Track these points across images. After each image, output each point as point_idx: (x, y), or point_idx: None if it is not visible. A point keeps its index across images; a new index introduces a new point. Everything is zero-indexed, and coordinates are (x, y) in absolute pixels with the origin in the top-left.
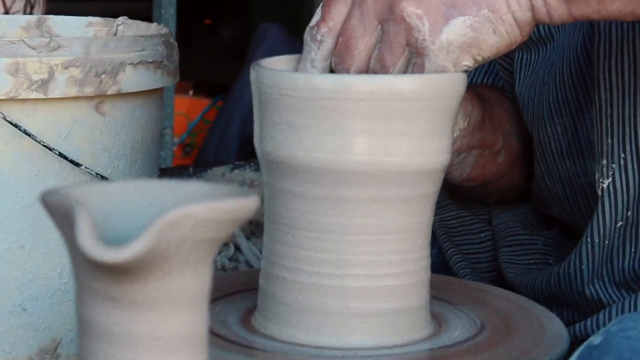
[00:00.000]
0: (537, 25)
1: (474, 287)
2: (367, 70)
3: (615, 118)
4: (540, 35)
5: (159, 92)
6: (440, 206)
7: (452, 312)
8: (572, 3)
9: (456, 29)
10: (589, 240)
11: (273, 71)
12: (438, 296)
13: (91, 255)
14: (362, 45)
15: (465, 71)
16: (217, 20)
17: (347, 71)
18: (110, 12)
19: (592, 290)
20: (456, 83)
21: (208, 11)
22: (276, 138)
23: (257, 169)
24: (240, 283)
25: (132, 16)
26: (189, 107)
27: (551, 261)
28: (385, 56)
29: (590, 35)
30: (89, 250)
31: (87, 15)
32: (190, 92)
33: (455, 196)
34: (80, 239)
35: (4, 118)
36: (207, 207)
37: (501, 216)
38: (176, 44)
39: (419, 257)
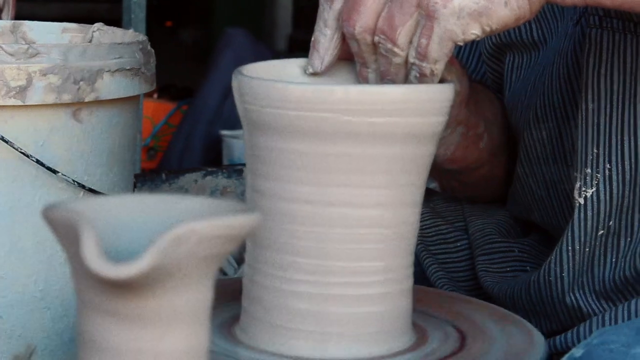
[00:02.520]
0: (532, 21)
1: (452, 298)
2: (374, 30)
3: (602, 128)
4: (532, 40)
5: (135, 99)
6: None
7: (430, 322)
8: None
9: None
10: (569, 247)
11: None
12: (416, 307)
13: (97, 272)
14: (371, 1)
15: (473, 41)
16: (178, 23)
17: (353, 28)
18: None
19: (573, 298)
20: (443, 93)
21: (169, 13)
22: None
23: (230, 175)
24: (221, 294)
25: (93, 18)
26: (154, 111)
27: (528, 268)
28: (395, 15)
29: (581, 42)
30: (95, 267)
31: (48, 16)
32: (155, 96)
33: (436, 179)
34: (86, 256)
35: None
36: (211, 223)
37: (477, 223)
38: (153, 50)
39: (404, 265)
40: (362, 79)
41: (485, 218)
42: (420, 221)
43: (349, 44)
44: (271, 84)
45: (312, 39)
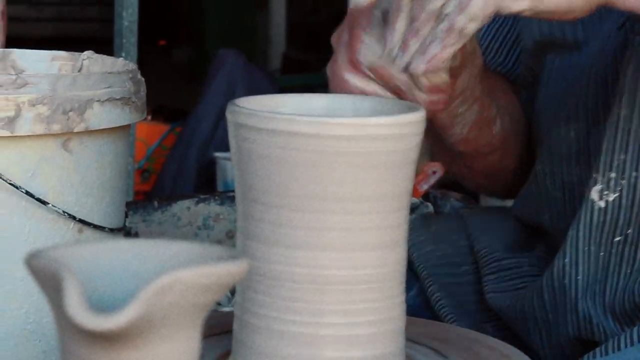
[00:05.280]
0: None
1: (457, 333)
2: None
3: (632, 135)
4: (575, 39)
5: (126, 128)
6: (418, 241)
7: (429, 356)
8: None
9: None
10: (586, 248)
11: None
12: (418, 341)
13: (81, 324)
14: None
15: (517, 15)
16: (172, 41)
17: None
18: (65, 33)
19: (585, 307)
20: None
21: (162, 31)
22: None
23: (222, 202)
24: (213, 326)
25: (84, 38)
26: (147, 133)
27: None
28: None
29: (623, 46)
30: (77, 319)
31: (43, 36)
32: (149, 118)
33: (446, 163)
34: (69, 307)
35: None
36: (197, 272)
37: (482, 240)
38: (143, 79)
39: (395, 304)
40: (386, 30)
41: (491, 232)
42: (422, 247)
43: None
44: (271, 115)
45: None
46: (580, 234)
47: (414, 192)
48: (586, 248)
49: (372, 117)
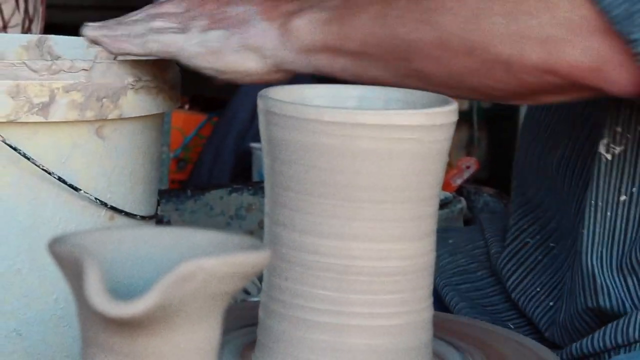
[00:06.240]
0: None
1: (476, 326)
2: None
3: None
4: None
5: (160, 116)
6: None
7: (451, 352)
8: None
9: None
10: (592, 202)
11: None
12: (440, 336)
13: (100, 310)
14: None
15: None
16: None
17: None
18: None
19: (589, 264)
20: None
21: None
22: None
23: (255, 192)
24: (240, 317)
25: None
26: (184, 122)
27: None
28: None
29: None
30: (97, 305)
31: (83, 4)
32: (186, 107)
33: None
34: (89, 293)
35: (4, 141)
36: (219, 260)
37: (497, 244)
38: (178, 68)
39: (422, 296)
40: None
41: (496, 233)
42: (439, 260)
43: None
44: (301, 106)
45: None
46: (589, 188)
47: (448, 186)
48: (593, 201)
49: (402, 108)
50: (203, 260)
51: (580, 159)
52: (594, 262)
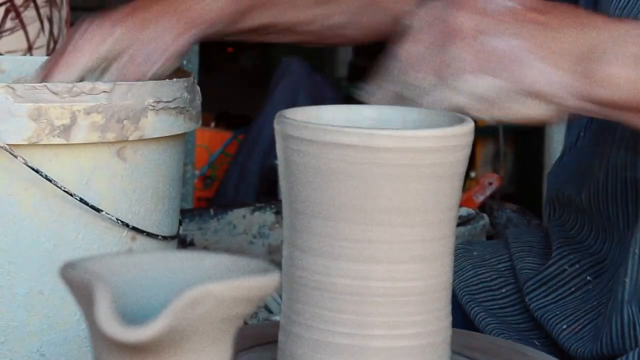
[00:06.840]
0: None
1: (496, 344)
2: None
3: None
4: None
5: (181, 136)
6: (458, 269)
7: None
8: None
9: None
10: (636, 251)
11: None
12: (464, 354)
13: (110, 335)
14: None
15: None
16: (239, 49)
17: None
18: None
19: (630, 312)
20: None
21: (230, 41)
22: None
23: (278, 210)
24: (261, 335)
25: None
26: (210, 140)
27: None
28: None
29: None
30: (107, 330)
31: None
32: (212, 124)
33: None
34: (99, 318)
35: (25, 163)
36: (228, 285)
37: (524, 259)
38: (198, 88)
39: (441, 316)
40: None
41: (530, 249)
42: (463, 273)
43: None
44: (317, 128)
45: None
46: (634, 237)
47: (470, 203)
48: (637, 250)
49: (419, 129)
50: (211, 285)
51: (612, 187)
52: (636, 311)
